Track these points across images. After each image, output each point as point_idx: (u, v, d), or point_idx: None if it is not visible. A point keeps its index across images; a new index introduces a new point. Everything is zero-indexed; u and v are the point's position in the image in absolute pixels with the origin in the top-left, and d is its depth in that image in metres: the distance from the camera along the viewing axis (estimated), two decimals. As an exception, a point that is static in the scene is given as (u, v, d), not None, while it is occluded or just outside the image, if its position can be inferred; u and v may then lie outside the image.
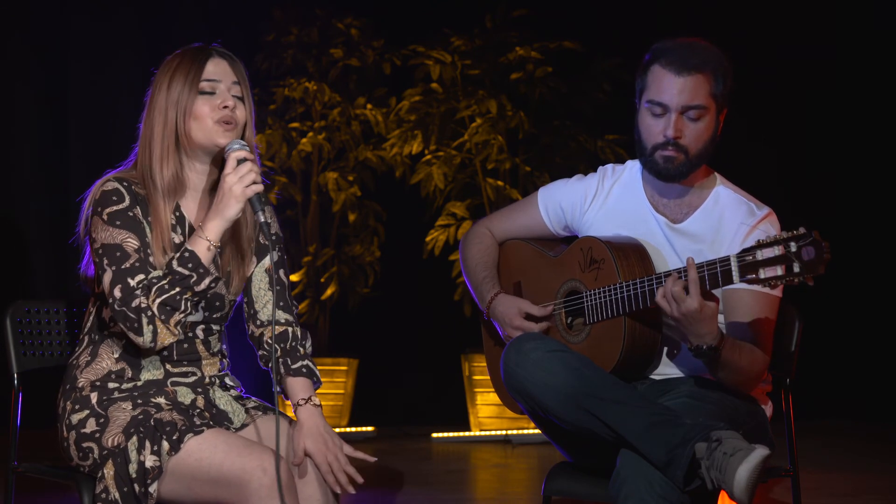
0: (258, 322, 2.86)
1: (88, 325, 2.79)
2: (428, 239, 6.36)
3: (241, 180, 2.67)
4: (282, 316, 2.86)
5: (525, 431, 6.25)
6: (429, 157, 6.38)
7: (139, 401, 2.70)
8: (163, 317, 2.64)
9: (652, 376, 3.03)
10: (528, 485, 5.20)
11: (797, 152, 6.78)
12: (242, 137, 2.77)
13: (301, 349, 2.83)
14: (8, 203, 6.53)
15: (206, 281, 2.68)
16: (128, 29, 6.58)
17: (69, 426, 2.70)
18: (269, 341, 2.83)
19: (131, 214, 2.69)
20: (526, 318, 3.09)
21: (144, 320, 2.63)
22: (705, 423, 2.66)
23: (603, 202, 3.13)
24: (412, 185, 6.43)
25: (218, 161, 2.79)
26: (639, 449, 2.68)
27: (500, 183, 6.34)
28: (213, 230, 2.68)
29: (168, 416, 2.65)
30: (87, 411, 2.69)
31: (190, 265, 2.66)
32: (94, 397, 2.70)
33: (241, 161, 2.69)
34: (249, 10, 6.66)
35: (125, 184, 2.72)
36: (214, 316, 2.80)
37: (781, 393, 3.02)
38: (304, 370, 2.81)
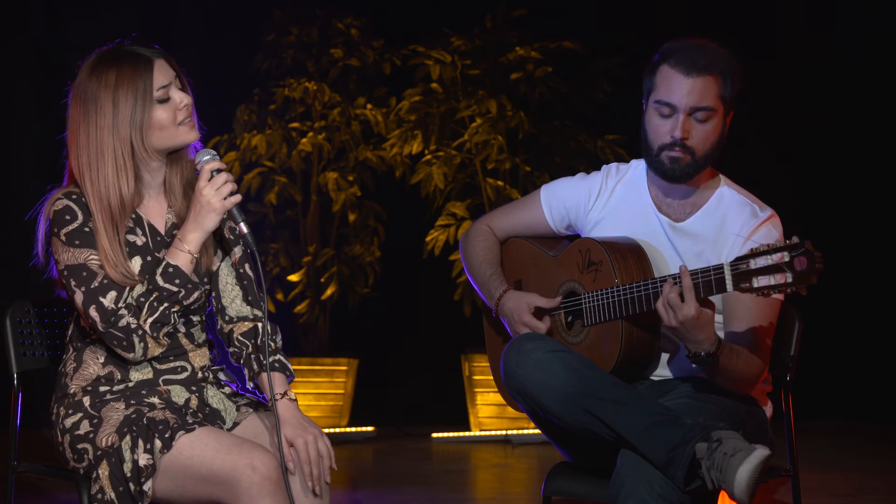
0: (227, 318, 2.83)
1: (70, 333, 2.80)
2: (428, 239, 6.36)
3: (219, 192, 2.67)
4: (249, 312, 2.84)
5: (525, 431, 6.25)
6: (429, 157, 6.38)
7: (132, 401, 2.70)
8: (154, 333, 2.66)
9: (651, 377, 3.03)
10: (528, 485, 5.20)
11: (798, 152, 6.78)
12: None
13: (272, 344, 2.80)
14: (8, 203, 6.53)
15: (195, 294, 2.70)
16: (128, 29, 6.56)
17: (63, 430, 2.70)
18: (240, 338, 2.81)
19: (87, 230, 2.68)
20: (535, 311, 3.07)
21: (135, 339, 2.65)
22: (705, 423, 2.66)
23: (606, 201, 3.12)
24: (412, 185, 6.43)
25: (174, 156, 2.77)
26: (639, 449, 2.67)
27: (500, 183, 6.34)
28: (194, 242, 2.69)
29: (161, 414, 2.65)
30: (80, 414, 2.69)
31: (177, 281, 2.67)
32: (86, 401, 2.70)
33: (215, 172, 2.69)
34: (249, 10, 6.66)
35: (73, 197, 2.71)
36: (191, 307, 2.79)
37: (781, 393, 3.01)
38: (276, 365, 2.77)
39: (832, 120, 6.77)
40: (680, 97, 2.90)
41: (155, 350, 2.69)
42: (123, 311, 2.64)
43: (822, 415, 6.61)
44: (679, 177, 2.96)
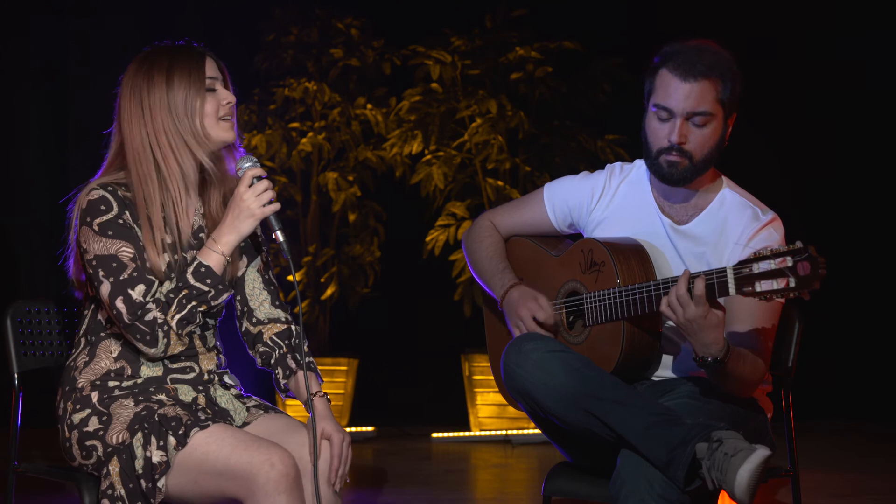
0: (254, 320, 2.87)
1: (84, 326, 2.80)
2: (428, 239, 6.36)
3: (259, 199, 2.71)
4: (281, 314, 2.88)
5: (525, 431, 6.25)
6: (429, 157, 6.38)
7: (140, 398, 2.71)
8: (179, 330, 2.68)
9: (654, 377, 3.03)
10: (528, 485, 5.20)
11: (798, 154, 6.78)
12: None
13: (305, 347, 2.86)
14: (9, 203, 6.54)
15: (225, 296, 2.72)
16: (127, 29, 6.59)
17: (71, 426, 2.70)
18: (274, 338, 2.84)
19: (121, 222, 2.70)
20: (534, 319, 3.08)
21: (160, 333, 2.67)
22: (706, 423, 2.66)
23: (610, 200, 3.12)
24: (412, 185, 6.43)
25: (211, 156, 2.80)
26: (639, 449, 2.67)
27: (500, 183, 6.34)
28: (228, 245, 2.72)
29: (172, 411, 2.66)
30: (88, 410, 2.70)
31: (208, 280, 2.69)
32: (94, 396, 2.71)
33: (256, 179, 2.73)
34: (249, 10, 6.67)
35: (110, 189, 2.72)
36: (213, 311, 2.81)
37: (781, 393, 3.01)
38: (312, 366, 2.84)
39: (832, 122, 6.78)
40: (677, 102, 2.89)
41: (176, 347, 2.70)
42: (151, 305, 2.66)
43: (822, 415, 6.61)
44: (677, 180, 2.96)
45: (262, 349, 2.86)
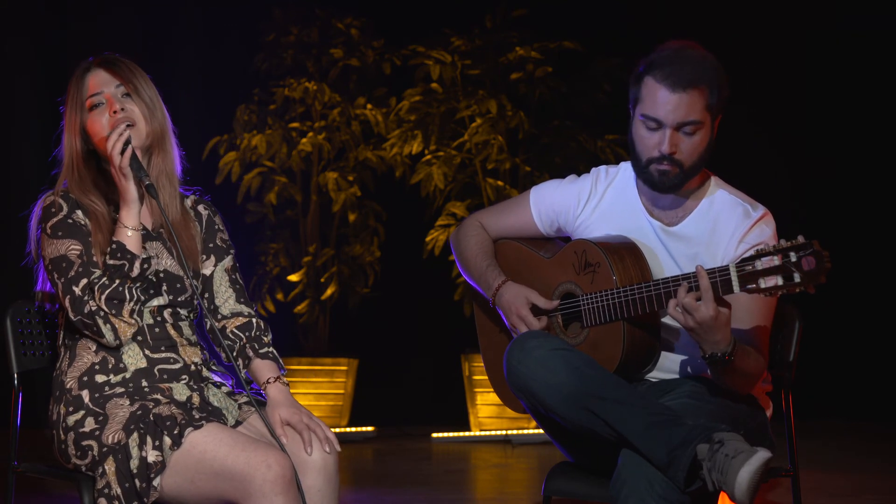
0: (219, 316, 2.92)
1: (62, 335, 2.85)
2: (428, 239, 6.36)
3: (116, 159, 2.73)
4: (244, 309, 2.92)
5: (525, 431, 6.25)
6: (429, 157, 6.38)
7: (136, 397, 2.72)
8: (113, 311, 2.71)
9: (652, 378, 3.03)
10: (528, 485, 5.20)
11: (799, 150, 6.78)
12: (153, 129, 2.82)
13: (265, 338, 2.90)
14: (9, 203, 6.53)
15: (137, 264, 2.75)
16: (128, 29, 6.59)
17: (66, 428, 2.71)
18: (235, 330, 2.88)
19: (71, 221, 2.77)
20: (532, 308, 3.07)
21: (100, 321, 2.71)
22: (706, 423, 2.66)
23: (596, 205, 3.11)
24: (412, 185, 6.43)
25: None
26: (639, 449, 2.67)
27: (500, 183, 6.34)
28: (127, 216, 2.76)
29: (167, 410, 2.67)
30: (82, 411, 2.70)
31: (119, 255, 2.74)
32: (86, 396, 2.72)
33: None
34: (249, 10, 6.67)
35: (62, 193, 2.80)
36: (179, 299, 2.84)
37: (781, 393, 3.01)
38: (270, 355, 2.88)
39: (832, 118, 6.77)
40: (666, 113, 2.87)
41: (125, 330, 2.73)
42: (87, 297, 2.71)
43: (822, 415, 6.61)
44: (668, 188, 2.95)
45: (226, 343, 2.89)
